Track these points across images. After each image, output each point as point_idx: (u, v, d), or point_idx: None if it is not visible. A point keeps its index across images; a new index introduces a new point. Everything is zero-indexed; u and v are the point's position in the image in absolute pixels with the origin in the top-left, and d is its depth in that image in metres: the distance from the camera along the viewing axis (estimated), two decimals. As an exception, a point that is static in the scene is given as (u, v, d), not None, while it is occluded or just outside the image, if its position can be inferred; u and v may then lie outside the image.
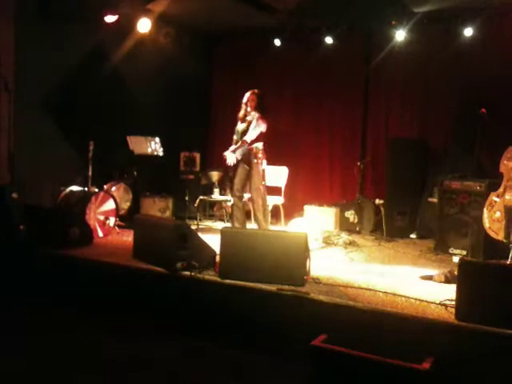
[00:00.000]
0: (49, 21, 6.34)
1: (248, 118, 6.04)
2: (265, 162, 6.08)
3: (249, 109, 6.00)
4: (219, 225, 7.23)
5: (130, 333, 4.30)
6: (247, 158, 5.98)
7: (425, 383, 3.09)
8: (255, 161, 5.94)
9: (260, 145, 5.98)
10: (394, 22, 6.86)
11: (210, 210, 7.96)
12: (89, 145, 6.20)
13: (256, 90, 6.07)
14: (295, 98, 8.22)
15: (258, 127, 5.92)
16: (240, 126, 6.09)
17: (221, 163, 6.26)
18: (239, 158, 6.00)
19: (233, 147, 6.05)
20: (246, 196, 6.26)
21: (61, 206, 6.10)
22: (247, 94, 6.06)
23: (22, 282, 4.92)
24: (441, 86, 7.14)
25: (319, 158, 8.09)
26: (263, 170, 6.04)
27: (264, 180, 6.06)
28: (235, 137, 6.17)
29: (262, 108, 6.02)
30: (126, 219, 6.69)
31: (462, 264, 3.70)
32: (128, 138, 7.17)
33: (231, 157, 5.97)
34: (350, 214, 7.18)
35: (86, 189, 6.22)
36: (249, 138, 5.91)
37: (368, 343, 3.36)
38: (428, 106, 7.27)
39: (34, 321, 4.48)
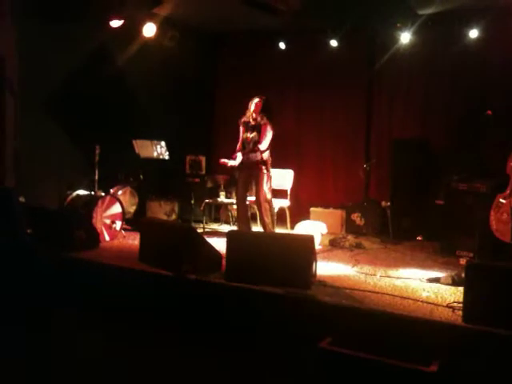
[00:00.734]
0: (52, 23, 6.37)
1: (256, 125, 6.00)
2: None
3: (254, 115, 5.98)
4: (225, 228, 7.25)
5: (134, 335, 4.30)
6: (254, 163, 5.97)
7: (432, 386, 3.08)
8: (263, 166, 5.94)
9: (264, 149, 5.97)
10: (399, 25, 6.85)
11: (216, 213, 7.96)
12: (95, 148, 6.22)
13: (263, 97, 6.04)
14: (299, 100, 8.21)
15: (269, 134, 5.93)
16: (250, 135, 6.04)
17: (225, 167, 6.26)
18: (246, 162, 5.99)
19: (239, 155, 6.03)
20: (250, 199, 6.26)
21: (67, 210, 6.12)
22: (254, 101, 6.00)
23: (27, 284, 4.94)
24: (445, 87, 7.12)
25: (323, 160, 8.07)
26: (270, 176, 6.04)
27: (270, 185, 6.06)
28: (239, 145, 6.12)
29: (268, 114, 6.02)
30: (133, 223, 6.70)
31: (469, 266, 3.69)
32: (134, 141, 7.19)
33: (239, 159, 5.98)
34: (356, 217, 7.18)
35: (93, 192, 6.24)
36: (263, 146, 5.92)
37: (375, 346, 3.36)
38: (432, 107, 7.25)
39: (37, 322, 4.48)
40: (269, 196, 6.03)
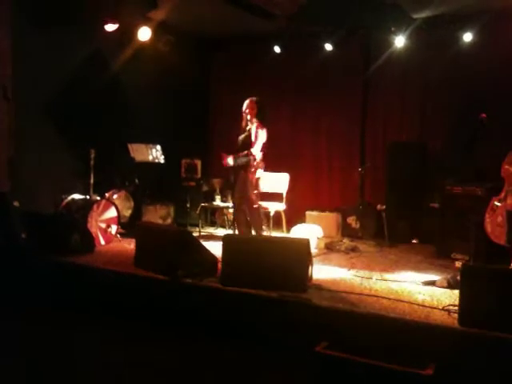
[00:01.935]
0: (47, 28, 6.36)
1: (247, 128, 6.00)
2: (260, 170, 6.03)
3: (248, 117, 5.98)
4: (221, 231, 7.24)
5: (130, 339, 4.29)
6: (241, 166, 5.95)
7: (428, 389, 3.08)
8: (249, 169, 5.91)
9: (257, 153, 5.95)
10: (393, 29, 6.87)
11: (212, 217, 7.96)
12: (90, 152, 6.21)
13: (254, 98, 6.03)
14: (294, 104, 8.22)
15: (260, 137, 5.91)
16: (240, 137, 6.05)
17: (220, 167, 6.26)
18: (239, 165, 5.98)
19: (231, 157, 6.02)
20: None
21: (62, 214, 6.10)
22: (246, 102, 6.00)
23: (22, 288, 4.92)
24: (440, 91, 7.15)
25: (319, 164, 8.09)
26: (257, 179, 6.03)
27: (257, 188, 6.05)
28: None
29: (261, 116, 6.00)
30: (128, 227, 6.69)
31: (465, 269, 3.69)
32: (129, 145, 7.18)
33: (230, 161, 5.96)
34: (352, 220, 7.18)
35: (88, 197, 6.22)
36: (256, 150, 5.90)
37: (371, 349, 3.35)
38: (427, 110, 7.29)
39: (32, 326, 4.47)
40: (253, 200, 5.99)
